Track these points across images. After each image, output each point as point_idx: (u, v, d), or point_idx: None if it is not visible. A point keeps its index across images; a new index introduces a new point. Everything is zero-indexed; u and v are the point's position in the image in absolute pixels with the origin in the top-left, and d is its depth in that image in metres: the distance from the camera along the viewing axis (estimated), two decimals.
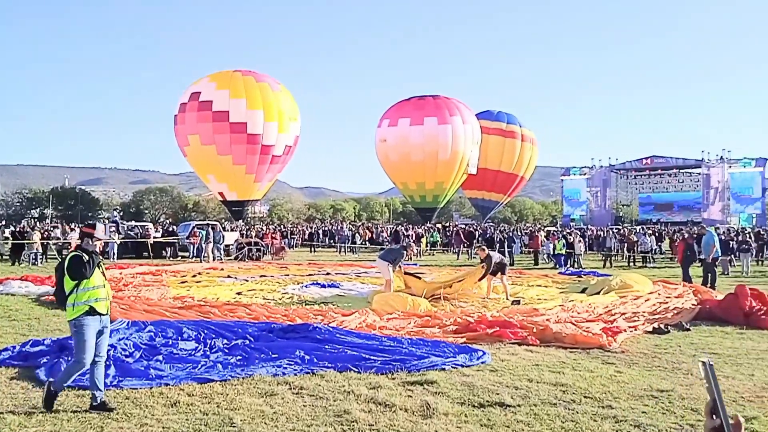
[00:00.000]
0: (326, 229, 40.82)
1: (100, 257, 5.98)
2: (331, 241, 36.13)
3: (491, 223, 53.12)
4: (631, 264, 27.18)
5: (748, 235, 28.46)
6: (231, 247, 28.48)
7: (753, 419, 5.49)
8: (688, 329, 10.28)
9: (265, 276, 18.70)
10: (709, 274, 17.55)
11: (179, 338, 8.46)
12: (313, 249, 36.62)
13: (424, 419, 5.46)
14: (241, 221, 41.06)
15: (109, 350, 7.15)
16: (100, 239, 6.03)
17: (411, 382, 6.63)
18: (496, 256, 14.05)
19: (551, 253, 26.37)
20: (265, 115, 33.36)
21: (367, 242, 36.12)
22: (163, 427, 5.25)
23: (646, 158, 70.81)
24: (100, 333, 5.75)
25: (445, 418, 5.49)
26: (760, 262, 26.69)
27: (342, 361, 7.23)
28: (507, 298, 13.45)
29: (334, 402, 5.93)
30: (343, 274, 19.52)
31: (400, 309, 11.14)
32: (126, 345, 7.84)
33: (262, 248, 28.79)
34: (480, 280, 13.88)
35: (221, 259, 26.25)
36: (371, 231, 39.78)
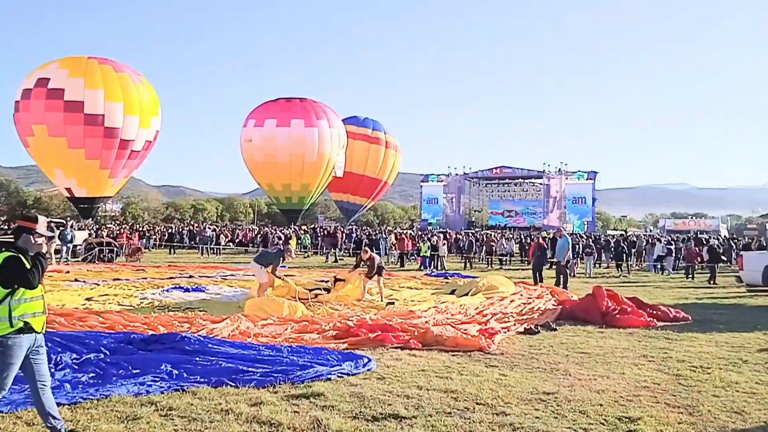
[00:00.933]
0: (188, 229, 38.80)
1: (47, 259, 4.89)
2: (193, 243, 34.38)
3: (355, 225, 53.61)
4: (490, 266, 28.23)
5: (591, 240, 30.57)
6: (79, 247, 26.17)
7: (638, 420, 5.55)
8: (555, 329, 10.58)
9: (119, 279, 17.15)
10: (562, 276, 18.41)
11: None
12: (173, 250, 34.83)
13: None
14: (90, 220, 38.09)
15: None
16: (43, 236, 4.84)
17: (296, 396, 6.12)
18: (378, 258, 13.87)
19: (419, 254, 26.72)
20: (126, 107, 31.06)
21: (231, 244, 34.78)
22: None
23: (497, 168, 75.88)
24: (35, 353, 4.69)
25: None
26: (598, 265, 28.66)
27: (216, 374, 6.53)
28: (381, 300, 13.23)
29: (210, 424, 5.25)
30: (208, 277, 18.38)
31: (275, 314, 10.54)
32: None
33: (115, 249, 26.80)
34: (369, 277, 13.62)
35: (67, 261, 24.02)
36: (250, 232, 38.41)
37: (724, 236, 53.15)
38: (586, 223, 66.66)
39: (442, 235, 31.11)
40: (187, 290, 14.49)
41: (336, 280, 14.18)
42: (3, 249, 4.57)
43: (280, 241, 27.64)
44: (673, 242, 29.23)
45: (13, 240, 4.75)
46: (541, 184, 72.26)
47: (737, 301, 15.65)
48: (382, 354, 8.24)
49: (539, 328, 10.56)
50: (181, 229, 38.10)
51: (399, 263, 27.48)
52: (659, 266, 26.89)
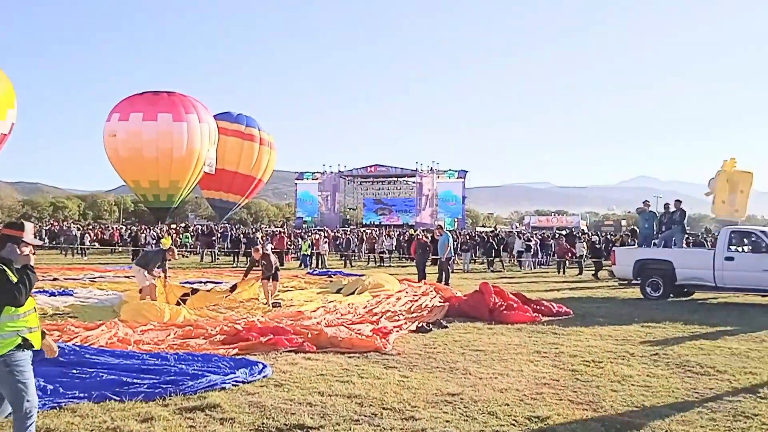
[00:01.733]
0: (48, 228, 35.76)
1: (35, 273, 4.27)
2: (54, 242, 31.71)
3: (227, 224, 51.99)
4: (371, 264, 28.27)
5: (467, 237, 31.49)
6: None
7: (547, 419, 5.52)
8: (446, 327, 10.58)
9: None
10: (444, 272, 18.67)
11: None
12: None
13: None
14: None
15: None
16: (30, 244, 4.26)
17: (189, 409, 5.58)
18: (274, 258, 13.19)
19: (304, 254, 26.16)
20: None
21: (96, 243, 32.44)
22: None
23: (371, 166, 76.56)
24: None
25: None
26: (473, 261, 29.57)
27: (98, 388, 5.82)
28: (267, 303, 12.62)
29: None
30: (75, 279, 16.86)
31: (155, 319, 9.76)
32: None
33: None
34: (267, 279, 12.93)
35: None
36: (117, 231, 35.92)
37: (596, 232, 56.23)
38: (456, 220, 68.68)
39: (322, 233, 30.77)
40: (52, 294, 13.12)
41: (233, 288, 13.37)
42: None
43: (153, 241, 26.17)
44: (531, 238, 30.62)
45: None
46: (414, 182, 73.57)
47: (610, 294, 16.52)
48: (275, 359, 7.81)
49: (431, 326, 10.51)
50: (41, 228, 35.09)
51: (280, 262, 26.87)
52: (518, 262, 28.20)
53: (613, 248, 18.28)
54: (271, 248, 13.80)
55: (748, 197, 17.04)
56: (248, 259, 13.39)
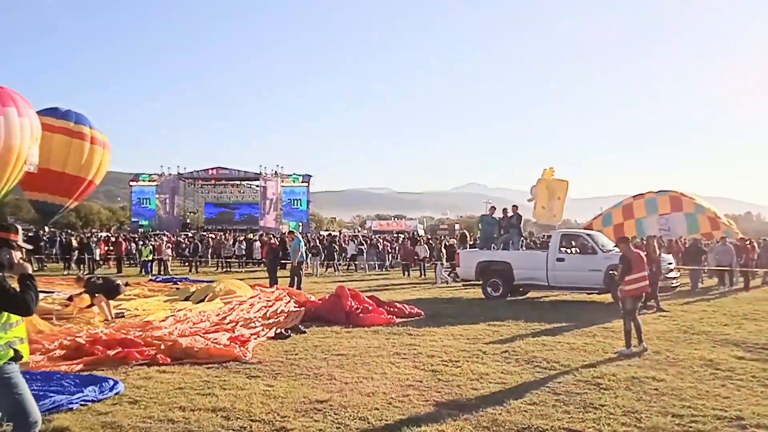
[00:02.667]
0: None
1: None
2: None
3: (53, 228, 48.03)
4: (218, 269, 27.39)
5: (316, 241, 31.46)
6: None
7: (419, 421, 5.57)
8: (305, 332, 10.50)
9: None
10: (296, 277, 18.52)
11: None
12: None
13: None
14: None
15: None
16: (23, 248, 4.12)
17: None
18: (99, 280, 12.09)
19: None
20: None
21: None
22: None
23: (212, 168, 74.33)
24: None
25: None
26: (324, 265, 29.65)
27: None
28: (110, 318, 11.56)
29: None
30: None
31: None
32: None
33: None
34: (90, 306, 11.81)
35: None
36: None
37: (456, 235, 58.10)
38: (301, 224, 68.47)
39: (165, 238, 29.33)
40: None
41: (70, 299, 12.18)
42: None
43: None
44: (364, 242, 31.41)
45: None
46: (257, 186, 72.42)
47: (454, 294, 17.21)
48: (126, 374, 7.30)
49: (289, 331, 10.36)
50: None
51: (117, 269, 25.19)
52: (354, 264, 28.72)
53: (458, 251, 19.08)
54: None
55: (564, 203, 18.52)
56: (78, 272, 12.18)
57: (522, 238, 17.42)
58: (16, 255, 4.05)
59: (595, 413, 5.75)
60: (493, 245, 17.18)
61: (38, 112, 39.45)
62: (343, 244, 31.06)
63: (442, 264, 23.52)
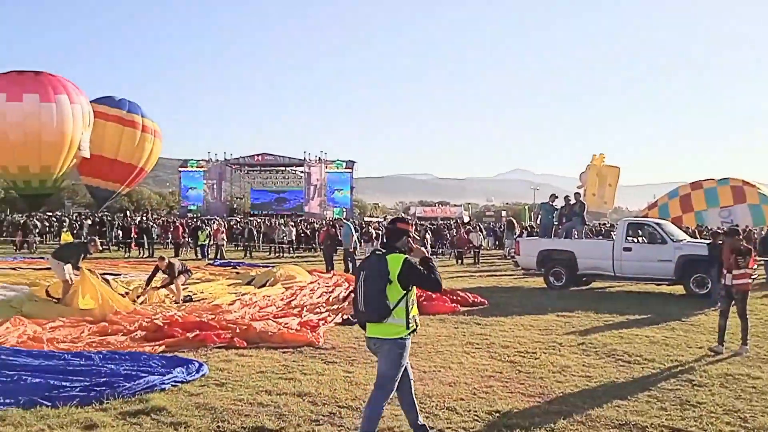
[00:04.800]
0: None
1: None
2: None
3: (107, 212, 49.21)
4: (271, 254, 27.65)
5: (369, 227, 31.52)
6: None
7: (507, 413, 5.48)
8: None
9: None
10: (351, 262, 18.60)
11: None
12: None
13: None
14: None
15: None
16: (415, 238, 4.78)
17: (133, 413, 5.11)
18: (178, 264, 12.29)
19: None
20: None
21: None
22: None
23: (258, 155, 75.11)
24: None
25: None
26: None
27: (25, 393, 5.20)
28: (179, 301, 11.74)
29: None
30: None
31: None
32: None
33: None
34: (164, 287, 12.01)
35: None
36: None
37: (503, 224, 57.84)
38: (345, 210, 68.70)
39: (220, 223, 29.74)
40: None
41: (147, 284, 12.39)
42: (392, 252, 4.51)
43: (37, 230, 24.27)
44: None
45: (390, 240, 4.66)
46: (302, 172, 72.86)
47: (514, 283, 16.97)
48: (207, 356, 7.37)
49: (355, 317, 10.33)
50: None
51: (174, 253, 25.61)
52: None
53: (517, 239, 18.82)
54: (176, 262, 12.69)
55: (615, 190, 18.02)
56: (153, 270, 12.28)
57: (585, 227, 17.03)
58: (411, 243, 4.66)
59: (694, 411, 5.54)
60: (553, 234, 16.90)
61: (93, 101, 40.52)
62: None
63: None
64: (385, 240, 4.85)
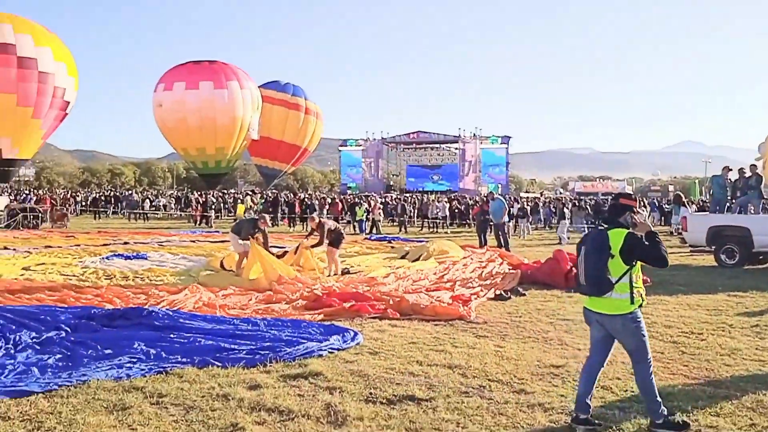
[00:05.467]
0: (113, 194, 36.60)
1: None
2: (115, 208, 32.49)
3: (274, 190, 52.37)
4: (424, 229, 28.05)
5: (525, 203, 30.98)
6: (0, 213, 24.45)
7: (673, 395, 5.20)
8: (524, 294, 10.30)
9: (50, 247, 15.68)
10: (502, 237, 18.38)
11: None
12: (97, 216, 33.04)
13: (337, 428, 4.37)
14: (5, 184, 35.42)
15: None
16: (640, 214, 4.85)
17: (293, 376, 5.46)
18: (330, 224, 12.91)
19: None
20: (54, 54, 28.85)
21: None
22: None
23: (413, 133, 76.16)
24: None
25: (362, 424, 4.44)
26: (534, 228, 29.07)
27: (199, 353, 5.74)
28: (334, 273, 12.19)
29: (212, 413, 4.53)
30: (144, 243, 17.11)
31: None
32: None
33: (39, 215, 25.04)
34: (314, 246, 12.65)
35: None
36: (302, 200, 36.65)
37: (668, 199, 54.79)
38: (500, 186, 67.91)
39: (377, 198, 30.64)
40: (128, 258, 13.24)
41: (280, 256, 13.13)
42: (614, 227, 4.52)
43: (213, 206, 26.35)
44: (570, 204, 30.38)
45: (612, 215, 4.66)
46: (456, 148, 72.94)
47: (680, 261, 15.94)
48: (361, 325, 7.66)
49: (509, 293, 10.25)
50: (106, 194, 35.94)
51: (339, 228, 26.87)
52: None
53: (685, 215, 17.62)
54: (329, 217, 13.36)
55: None
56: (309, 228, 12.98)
57: (763, 201, 15.59)
58: (636, 218, 4.62)
59: None
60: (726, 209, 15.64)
61: (261, 86, 43.12)
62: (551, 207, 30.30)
63: (565, 223, 23.98)
64: (606, 215, 4.81)
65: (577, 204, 31.85)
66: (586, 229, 27.54)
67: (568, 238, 22.75)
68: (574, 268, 11.62)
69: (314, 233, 12.67)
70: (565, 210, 27.54)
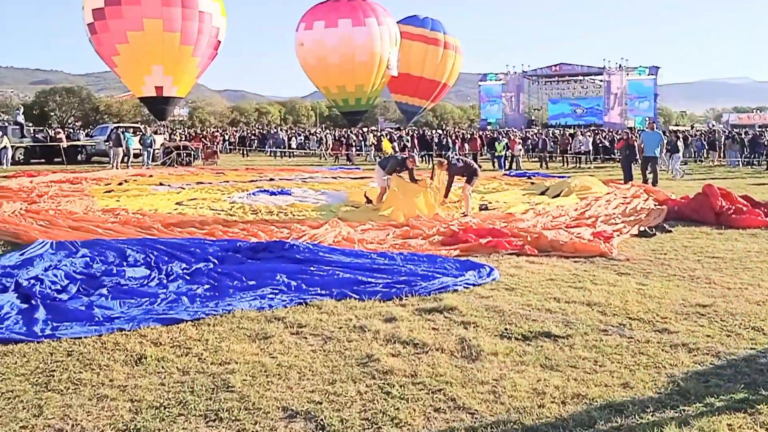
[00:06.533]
0: (261, 132, 38.75)
1: None
2: (262, 146, 34.38)
3: (414, 127, 52.67)
4: (566, 165, 27.17)
5: (675, 137, 28.97)
6: (157, 151, 26.79)
7: None
8: (670, 231, 9.77)
9: (201, 183, 16.90)
10: (652, 173, 17.40)
11: (124, 263, 6.89)
12: (245, 153, 35.18)
13: (471, 363, 4.42)
14: (163, 122, 38.41)
15: (34, 285, 5.70)
16: None
17: (428, 310, 5.57)
18: (460, 163, 12.66)
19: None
20: None
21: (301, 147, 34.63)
22: (131, 400, 3.76)
23: (555, 65, 73.67)
24: None
25: (496, 359, 4.46)
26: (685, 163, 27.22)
27: (337, 286, 5.99)
28: (466, 210, 11.63)
29: (349, 344, 4.74)
30: (288, 179, 17.97)
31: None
32: (56, 276, 6.10)
33: (192, 153, 27.23)
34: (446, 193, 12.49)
35: (148, 165, 24.36)
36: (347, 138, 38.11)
37: None
38: (647, 119, 64.15)
39: (518, 134, 30.00)
40: (273, 193, 13.96)
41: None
42: None
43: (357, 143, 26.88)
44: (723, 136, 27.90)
45: None
46: (601, 81, 69.62)
47: None
48: (498, 261, 7.62)
49: (653, 229, 9.77)
50: (253, 132, 38.00)
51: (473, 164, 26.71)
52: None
53: None
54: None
55: None
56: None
57: None
58: None
59: None
60: None
61: (399, 21, 42.89)
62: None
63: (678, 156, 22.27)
64: None
65: (731, 137, 29.32)
66: (740, 163, 25.41)
67: (683, 172, 21.15)
68: (726, 204, 10.85)
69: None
70: (678, 143, 25.16)
